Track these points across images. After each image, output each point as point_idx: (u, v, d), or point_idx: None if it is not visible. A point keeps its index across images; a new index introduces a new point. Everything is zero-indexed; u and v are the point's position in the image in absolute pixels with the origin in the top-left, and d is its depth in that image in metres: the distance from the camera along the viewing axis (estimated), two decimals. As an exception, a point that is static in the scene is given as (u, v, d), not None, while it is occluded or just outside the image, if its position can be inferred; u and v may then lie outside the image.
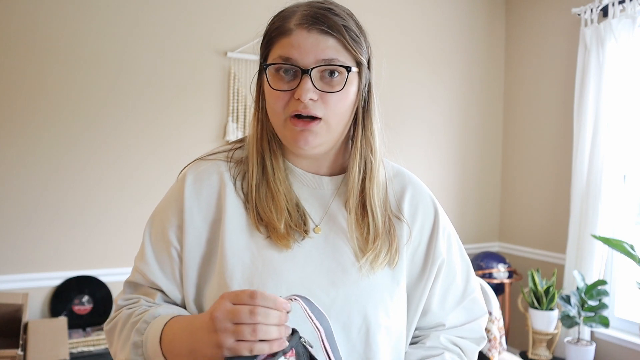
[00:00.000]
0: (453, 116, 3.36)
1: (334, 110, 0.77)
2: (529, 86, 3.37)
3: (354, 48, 0.77)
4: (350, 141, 0.84)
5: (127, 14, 2.45)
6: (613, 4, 2.77)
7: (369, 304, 0.78)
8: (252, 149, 0.83)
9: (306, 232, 0.80)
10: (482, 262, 3.18)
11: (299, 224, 0.80)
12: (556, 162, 3.18)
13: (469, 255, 3.36)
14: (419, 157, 3.22)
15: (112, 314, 0.83)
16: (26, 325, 2.09)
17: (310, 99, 0.74)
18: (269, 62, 0.78)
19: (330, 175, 0.86)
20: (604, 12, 2.84)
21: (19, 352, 1.81)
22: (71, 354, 2.14)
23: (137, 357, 0.74)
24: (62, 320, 2.19)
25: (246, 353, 0.61)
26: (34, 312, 2.31)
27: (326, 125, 0.77)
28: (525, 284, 3.26)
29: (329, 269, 0.79)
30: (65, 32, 2.34)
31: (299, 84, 0.75)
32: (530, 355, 2.93)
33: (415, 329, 0.90)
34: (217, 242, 0.79)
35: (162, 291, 0.81)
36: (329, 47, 0.75)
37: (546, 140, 3.25)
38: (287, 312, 0.63)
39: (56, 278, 2.33)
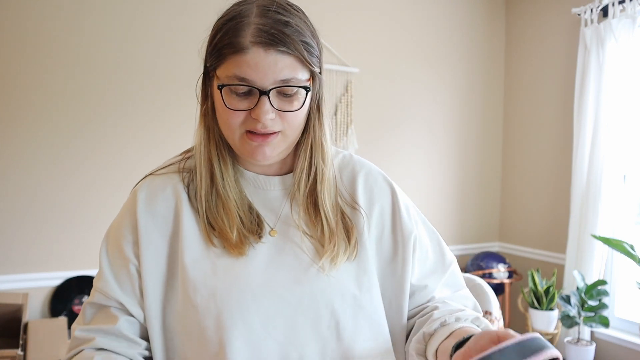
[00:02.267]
0: (453, 116, 3.36)
1: (292, 124, 0.76)
2: (529, 86, 3.37)
3: (310, 62, 0.75)
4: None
5: (125, 12, 2.45)
6: (613, 4, 2.77)
7: (335, 299, 0.77)
8: (199, 157, 0.80)
9: (260, 236, 0.79)
10: (482, 262, 3.18)
11: (252, 230, 0.79)
12: (556, 162, 3.18)
13: (468, 255, 3.37)
14: (419, 157, 3.22)
15: (71, 344, 0.80)
16: (26, 325, 2.09)
17: (271, 118, 0.73)
18: (221, 76, 0.74)
19: (280, 174, 0.85)
20: (604, 12, 2.84)
21: (19, 352, 1.82)
22: (71, 354, 2.14)
23: None
24: (62, 320, 2.19)
25: None
26: (34, 312, 2.31)
27: (283, 137, 0.76)
28: (525, 284, 3.26)
29: (291, 267, 0.78)
30: (58, 27, 2.34)
31: (256, 104, 0.72)
32: (530, 355, 2.92)
33: (408, 318, 0.87)
34: (177, 255, 0.78)
35: (124, 309, 0.79)
36: (286, 66, 0.72)
37: (546, 140, 3.25)
38: None
39: (56, 278, 2.33)
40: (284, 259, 0.78)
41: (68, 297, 2.35)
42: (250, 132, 0.75)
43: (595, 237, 2.63)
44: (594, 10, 2.84)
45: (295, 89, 0.74)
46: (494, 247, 3.56)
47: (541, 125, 3.28)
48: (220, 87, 0.73)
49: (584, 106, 2.88)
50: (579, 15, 2.96)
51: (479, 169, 3.49)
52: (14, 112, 2.26)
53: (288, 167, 0.86)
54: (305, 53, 0.74)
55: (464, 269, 3.14)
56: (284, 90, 0.73)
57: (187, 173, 0.83)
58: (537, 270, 3.01)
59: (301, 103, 0.75)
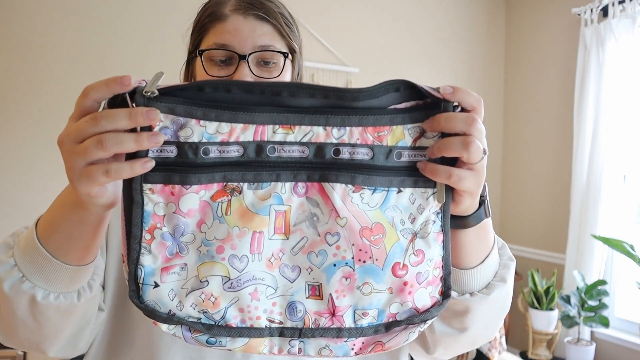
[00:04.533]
0: (453, 116, 3.36)
1: None
2: (529, 86, 3.36)
3: (288, 35, 0.76)
4: None
5: (123, 11, 2.45)
6: (613, 4, 2.77)
7: None
8: None
9: None
10: (482, 262, 3.17)
11: None
12: (556, 162, 3.18)
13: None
14: (419, 157, 3.22)
15: None
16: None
17: None
18: (202, 48, 0.75)
19: None
20: (604, 12, 2.84)
21: (19, 352, 1.81)
22: (71, 354, 2.13)
23: (5, 259, 0.57)
24: (62, 320, 2.19)
25: (102, 179, 0.45)
26: (34, 312, 2.31)
27: None
28: (525, 284, 3.26)
29: None
30: (39, 25, 2.34)
31: (235, 70, 0.72)
32: (530, 355, 2.93)
33: None
34: None
35: None
36: (265, 34, 0.74)
37: (546, 140, 3.25)
38: (149, 113, 0.45)
39: (56, 278, 2.33)
40: None
41: (68, 297, 2.35)
42: None
43: (595, 237, 2.63)
44: (594, 10, 2.84)
45: (275, 59, 0.75)
46: (494, 247, 3.55)
47: (541, 125, 3.28)
48: (200, 53, 0.74)
49: (584, 106, 2.88)
50: (579, 15, 2.96)
51: (479, 169, 3.48)
52: (11, 114, 2.26)
53: None
54: (284, 24, 0.76)
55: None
56: (264, 57, 0.74)
57: None
58: (537, 270, 3.01)
59: (279, 71, 0.75)
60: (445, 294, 0.53)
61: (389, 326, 0.51)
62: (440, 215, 0.51)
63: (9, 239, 0.61)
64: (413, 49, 3.20)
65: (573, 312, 2.70)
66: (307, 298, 0.50)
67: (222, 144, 0.47)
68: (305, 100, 0.47)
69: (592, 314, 2.67)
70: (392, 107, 0.49)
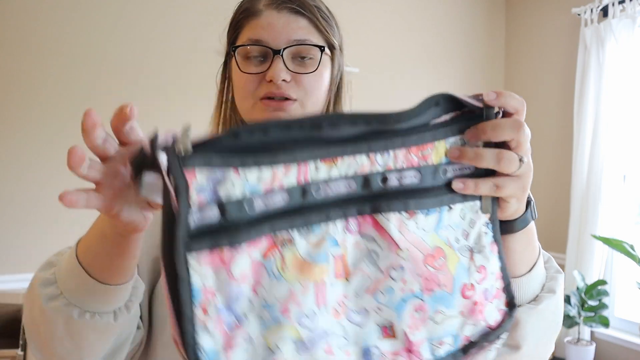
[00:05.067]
0: (453, 116, 3.36)
1: (309, 91, 0.72)
2: (528, 86, 3.37)
3: (325, 29, 0.74)
4: None
5: (123, 12, 2.45)
6: (613, 4, 2.77)
7: None
8: None
9: None
10: (482, 262, 3.18)
11: None
12: (556, 162, 3.18)
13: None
14: (419, 157, 3.22)
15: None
16: (26, 325, 2.09)
17: (283, 80, 0.70)
18: (237, 45, 0.72)
19: None
20: (604, 12, 2.84)
21: (19, 352, 1.82)
22: (71, 354, 2.13)
23: (47, 276, 0.58)
24: (62, 320, 2.19)
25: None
26: (34, 312, 2.31)
27: (301, 108, 0.72)
28: (525, 284, 3.26)
29: None
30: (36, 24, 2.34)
31: (270, 65, 0.70)
32: (530, 355, 2.92)
33: None
34: None
35: None
36: (300, 28, 0.72)
37: (546, 140, 3.25)
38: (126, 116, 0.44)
39: (56, 278, 2.33)
40: None
41: (68, 297, 2.34)
42: (267, 99, 0.71)
43: (595, 237, 2.63)
44: (594, 10, 2.84)
45: (312, 54, 0.72)
46: (494, 247, 3.55)
47: (541, 125, 3.28)
48: (234, 49, 0.72)
49: (584, 106, 2.88)
50: (579, 15, 2.96)
51: (479, 169, 3.49)
52: (11, 113, 2.26)
53: None
54: (320, 18, 0.73)
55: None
56: (300, 52, 0.72)
57: None
58: (537, 270, 3.01)
59: (315, 66, 0.72)
60: (510, 303, 0.51)
61: (466, 350, 0.49)
62: (490, 226, 0.50)
63: (52, 258, 0.62)
64: (413, 49, 3.20)
65: (573, 312, 2.70)
66: (380, 340, 0.46)
67: (266, 194, 0.42)
68: (347, 129, 0.44)
69: (592, 314, 2.67)
70: (433, 122, 0.48)
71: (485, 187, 0.48)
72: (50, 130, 2.32)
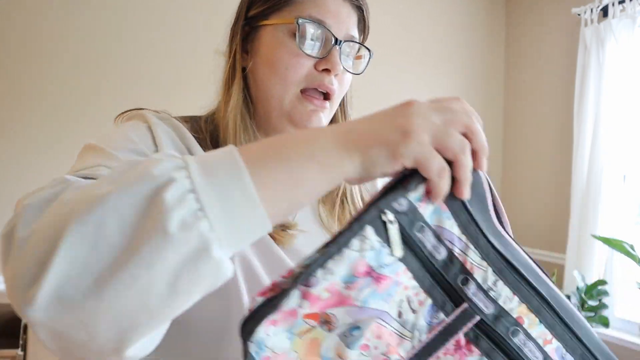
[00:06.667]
0: (453, 116, 3.36)
1: (343, 92, 0.69)
2: (529, 86, 3.36)
3: (366, 33, 0.72)
4: None
5: (124, 12, 2.45)
6: (613, 4, 2.77)
7: None
8: (232, 123, 0.66)
9: (288, 228, 0.66)
10: (482, 262, 3.17)
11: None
12: (556, 162, 3.18)
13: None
14: (419, 157, 3.22)
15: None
16: (26, 325, 2.09)
17: (336, 75, 0.65)
18: (287, 18, 0.63)
19: None
20: (604, 12, 2.84)
21: (19, 352, 1.82)
22: (71, 354, 2.13)
23: (175, 175, 0.36)
24: (62, 320, 2.19)
25: (433, 173, 0.39)
26: (34, 312, 2.30)
27: (331, 106, 0.68)
28: (525, 284, 3.26)
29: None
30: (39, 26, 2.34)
31: (330, 52, 0.64)
32: (530, 355, 2.92)
33: None
34: None
35: None
36: (354, 24, 0.68)
37: (546, 140, 3.25)
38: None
39: (56, 278, 2.33)
40: (302, 250, 0.69)
41: (68, 297, 2.34)
42: (308, 94, 0.65)
43: (595, 237, 2.63)
44: (594, 10, 2.84)
45: (361, 53, 0.69)
46: (494, 247, 3.55)
47: (541, 125, 3.28)
48: (298, 22, 0.62)
49: (584, 106, 2.88)
50: (579, 15, 2.96)
51: (479, 169, 3.48)
52: (17, 115, 2.26)
53: None
54: (367, 20, 0.70)
55: (464, 269, 3.13)
56: (351, 49, 0.68)
57: (197, 136, 0.66)
58: (537, 270, 3.00)
59: (364, 67, 0.70)
60: None
61: None
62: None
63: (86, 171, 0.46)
64: (413, 49, 3.20)
65: (573, 312, 2.70)
66: None
67: None
68: None
69: (592, 314, 2.67)
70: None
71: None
72: (51, 131, 2.32)
